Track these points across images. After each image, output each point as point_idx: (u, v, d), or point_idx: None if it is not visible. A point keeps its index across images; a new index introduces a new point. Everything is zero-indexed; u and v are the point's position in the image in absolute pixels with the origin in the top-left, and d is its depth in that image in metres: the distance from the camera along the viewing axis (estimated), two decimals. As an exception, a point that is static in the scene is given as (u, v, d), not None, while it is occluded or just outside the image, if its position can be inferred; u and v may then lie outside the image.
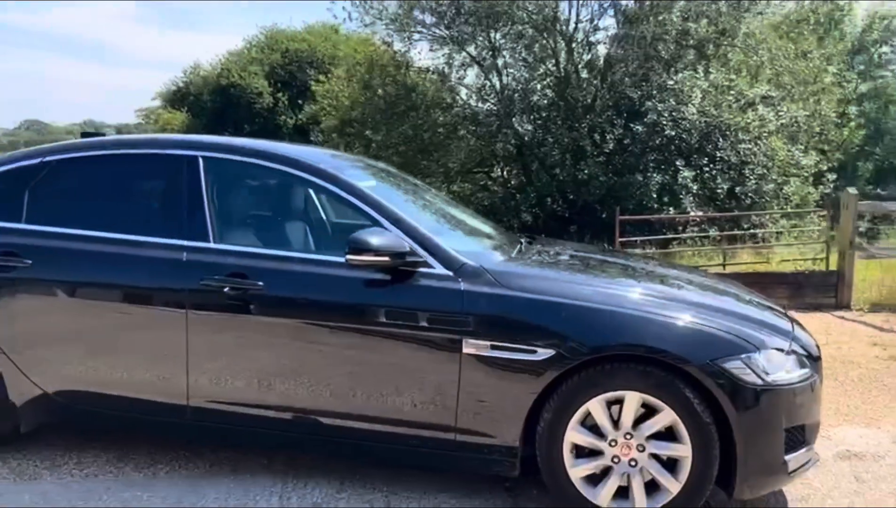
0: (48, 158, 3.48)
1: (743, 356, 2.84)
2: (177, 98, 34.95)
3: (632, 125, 11.72)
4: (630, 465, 2.90)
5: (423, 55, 17.19)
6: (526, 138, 13.23)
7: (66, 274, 3.29)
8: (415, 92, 16.02)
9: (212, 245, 3.20)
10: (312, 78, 29.51)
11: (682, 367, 2.82)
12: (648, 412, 2.88)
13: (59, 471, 3.35)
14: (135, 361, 3.23)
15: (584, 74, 13.41)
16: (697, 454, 2.83)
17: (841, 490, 3.31)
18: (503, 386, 2.93)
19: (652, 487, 2.91)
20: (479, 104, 15.71)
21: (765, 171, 11.37)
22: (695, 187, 10.84)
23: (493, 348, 2.92)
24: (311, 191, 3.61)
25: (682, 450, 2.84)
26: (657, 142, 11.30)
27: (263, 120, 31.26)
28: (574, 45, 14.52)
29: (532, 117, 14.22)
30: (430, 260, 3.06)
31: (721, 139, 11.28)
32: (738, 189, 11.32)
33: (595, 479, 2.94)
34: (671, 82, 11.48)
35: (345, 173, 3.35)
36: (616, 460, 2.91)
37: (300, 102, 31.32)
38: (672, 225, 10.20)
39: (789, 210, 11.43)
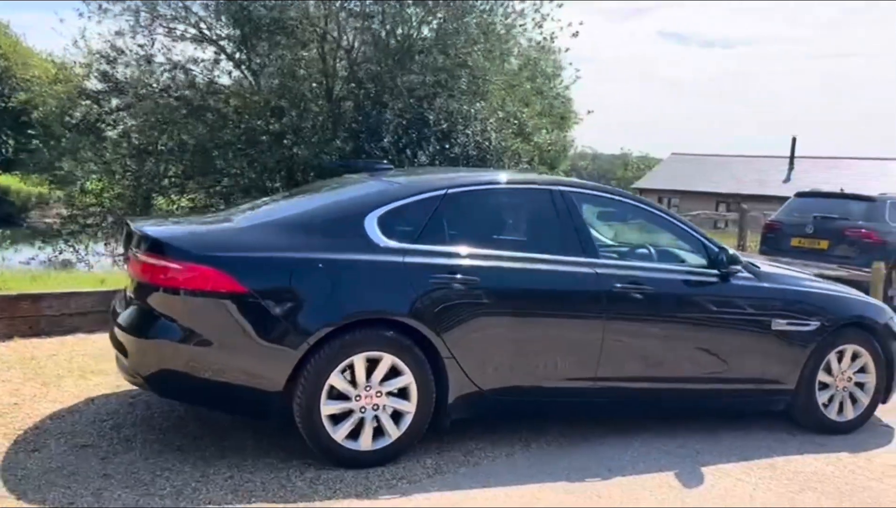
0: (450, 191, 3.98)
1: (892, 317, 4.87)
2: None
3: (430, 142, 13.42)
4: (843, 391, 4.72)
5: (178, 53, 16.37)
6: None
7: (505, 288, 3.89)
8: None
9: (607, 261, 4.17)
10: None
11: (874, 326, 4.73)
12: (853, 357, 4.73)
13: (474, 457, 3.92)
14: (557, 355, 4.00)
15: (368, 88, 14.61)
16: (879, 378, 4.77)
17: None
18: (791, 349, 4.51)
19: (853, 401, 4.77)
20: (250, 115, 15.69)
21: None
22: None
23: (789, 324, 4.49)
24: (640, 217, 4.67)
25: (871, 378, 4.76)
26: (464, 162, 13.20)
27: None
28: (347, 63, 15.62)
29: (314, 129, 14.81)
30: (738, 267, 4.48)
31: (507, 160, 13.66)
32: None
33: (825, 404, 4.69)
34: (473, 110, 13.48)
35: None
36: (836, 388, 4.70)
37: None
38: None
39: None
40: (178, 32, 16.33)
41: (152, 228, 3.74)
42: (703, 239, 4.48)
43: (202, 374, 3.47)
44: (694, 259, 4.53)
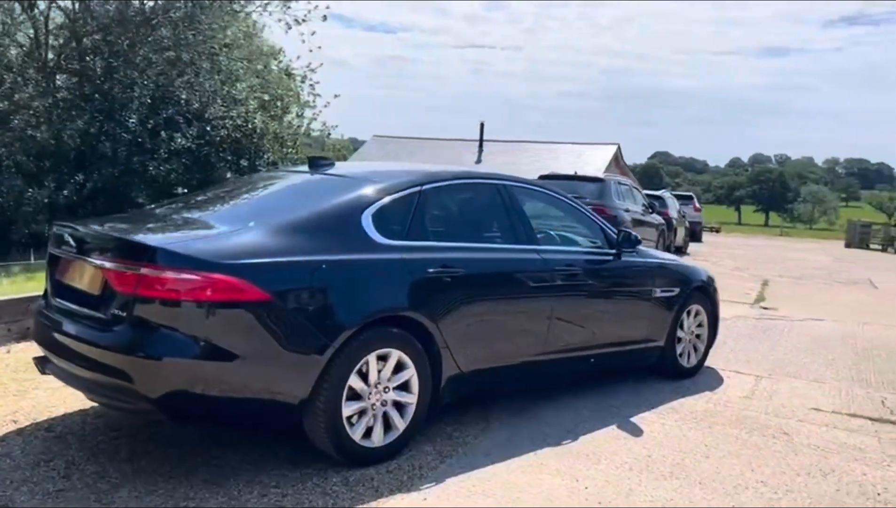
0: (424, 187, 4.09)
1: (713, 279, 6.07)
2: None
3: (190, 124, 12.61)
4: (689, 342, 5.80)
5: None
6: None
7: (483, 276, 4.14)
8: None
9: (545, 247, 4.63)
10: None
11: (707, 288, 5.87)
12: (695, 314, 5.81)
13: (459, 439, 4.15)
14: (517, 333, 4.36)
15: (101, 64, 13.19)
16: (710, 327, 5.93)
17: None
18: (664, 312, 5.43)
19: (695, 350, 5.86)
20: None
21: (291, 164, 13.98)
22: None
23: (662, 291, 5.39)
24: (560, 210, 5.10)
25: (705, 330, 5.91)
26: (228, 144, 12.60)
27: None
28: (69, 32, 13.93)
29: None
30: (636, 247, 5.25)
31: (268, 144, 13.34)
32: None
33: (681, 355, 5.71)
34: (234, 91, 12.87)
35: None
36: (686, 341, 5.75)
37: None
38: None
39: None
40: None
41: (145, 236, 3.33)
42: (601, 224, 5.16)
43: (222, 391, 3.22)
44: (587, 241, 5.19)
